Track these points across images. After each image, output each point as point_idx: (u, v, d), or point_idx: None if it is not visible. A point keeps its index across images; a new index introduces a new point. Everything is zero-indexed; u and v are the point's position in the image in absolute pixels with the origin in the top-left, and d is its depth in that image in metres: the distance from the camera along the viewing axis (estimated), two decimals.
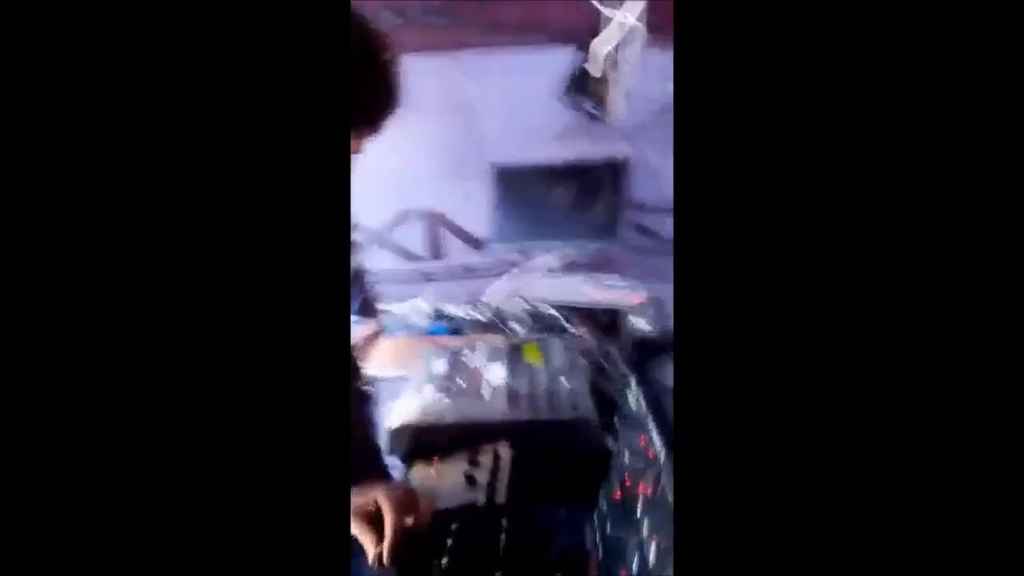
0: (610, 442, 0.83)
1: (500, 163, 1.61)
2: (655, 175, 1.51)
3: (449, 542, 0.59)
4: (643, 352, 1.14)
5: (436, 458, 0.76)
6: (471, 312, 1.55)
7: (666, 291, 1.56)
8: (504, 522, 0.61)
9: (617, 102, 1.38)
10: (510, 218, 1.62)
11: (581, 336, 1.23)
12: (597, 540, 0.66)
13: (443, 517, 0.62)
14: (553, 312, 1.44)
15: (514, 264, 1.71)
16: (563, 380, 0.90)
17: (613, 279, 1.53)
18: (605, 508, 0.71)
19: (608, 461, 0.79)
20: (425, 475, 0.73)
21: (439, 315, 1.58)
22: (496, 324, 1.47)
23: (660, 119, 1.43)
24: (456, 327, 1.50)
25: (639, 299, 1.41)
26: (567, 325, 1.39)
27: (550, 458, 0.76)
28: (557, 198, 1.56)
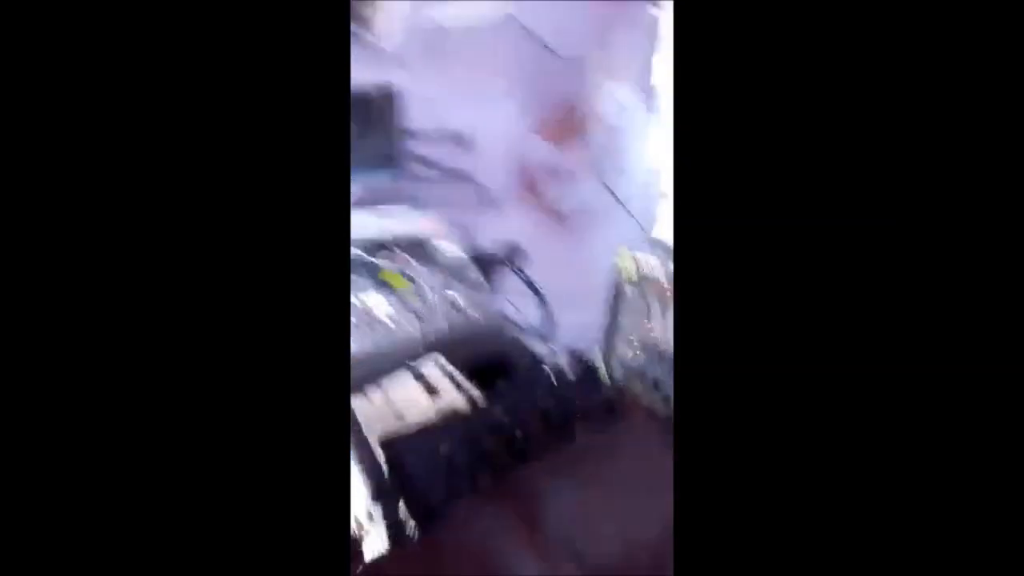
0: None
1: None
2: (429, 103, 1.53)
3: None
4: (482, 267, 1.21)
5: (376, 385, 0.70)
6: None
7: (462, 217, 1.65)
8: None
9: (387, 25, 1.34)
10: None
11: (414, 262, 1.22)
12: None
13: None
14: (356, 251, 1.37)
15: None
16: (448, 292, 0.91)
17: (403, 210, 1.52)
18: None
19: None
20: (371, 402, 0.68)
21: None
22: None
23: (431, 43, 1.44)
24: None
25: (438, 226, 1.45)
26: (375, 260, 1.35)
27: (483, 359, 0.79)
28: None
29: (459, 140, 1.69)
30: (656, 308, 0.95)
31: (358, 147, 1.49)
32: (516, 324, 1.10)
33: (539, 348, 0.98)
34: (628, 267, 0.95)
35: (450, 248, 1.39)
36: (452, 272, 1.25)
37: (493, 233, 1.24)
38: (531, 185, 1.79)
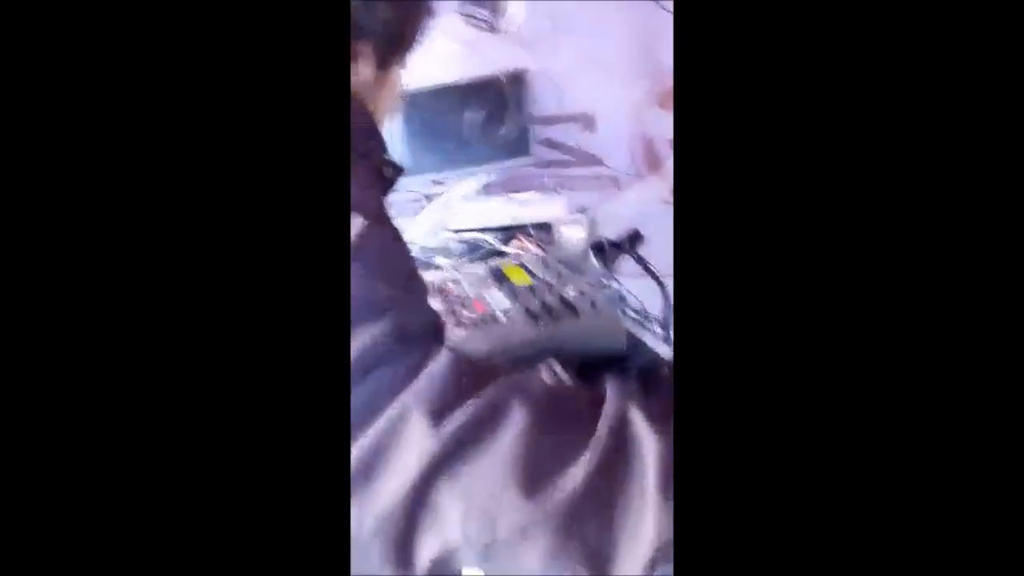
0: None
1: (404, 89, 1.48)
2: (556, 85, 1.51)
3: None
4: (603, 256, 1.19)
5: None
6: None
7: (586, 199, 1.62)
8: None
9: (514, 9, 1.33)
10: (419, 148, 1.52)
11: (537, 250, 1.23)
12: None
13: None
14: (485, 237, 1.41)
15: (429, 196, 1.62)
16: (565, 287, 0.90)
17: (531, 195, 1.53)
18: None
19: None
20: None
21: None
22: (421, 261, 1.40)
23: (557, 25, 1.42)
24: None
25: (565, 210, 1.44)
26: (502, 247, 1.38)
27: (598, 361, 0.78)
28: (466, 119, 1.49)
29: (584, 120, 1.65)
30: None
31: (488, 133, 1.52)
32: (636, 317, 1.07)
33: (661, 348, 0.94)
34: None
35: (575, 234, 1.38)
36: (574, 262, 1.24)
37: (617, 216, 1.20)
38: (655, 163, 1.69)
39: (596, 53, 1.48)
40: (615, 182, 1.69)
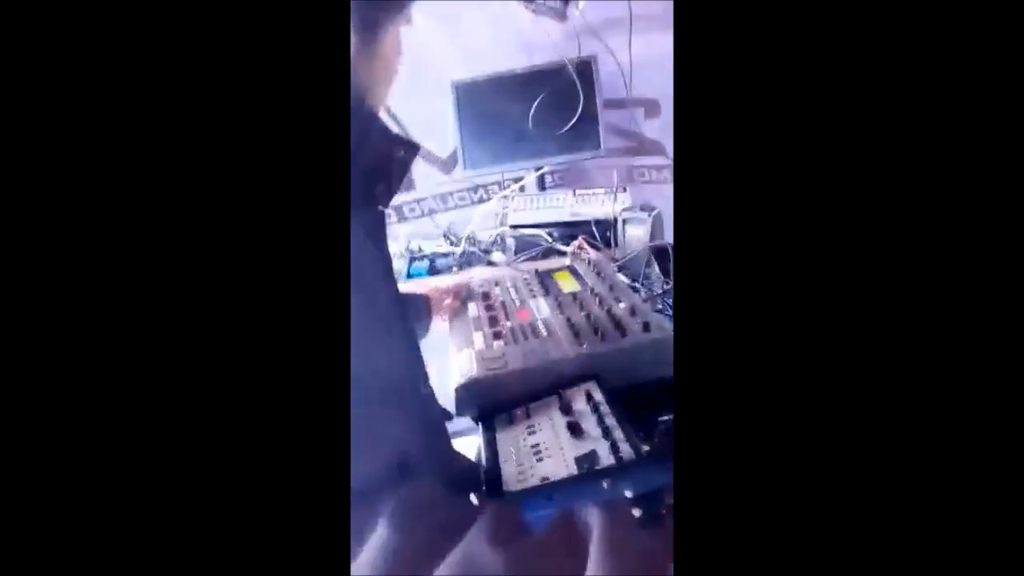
0: None
1: (460, 79, 1.44)
2: (620, 69, 1.41)
3: None
4: (660, 257, 1.10)
5: (521, 413, 0.67)
6: (448, 246, 1.43)
7: (649, 192, 1.51)
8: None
9: None
10: (478, 139, 1.47)
11: (595, 254, 1.16)
12: None
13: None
14: (543, 235, 1.35)
15: (488, 189, 1.58)
16: (615, 302, 0.83)
17: (595, 190, 1.45)
18: None
19: None
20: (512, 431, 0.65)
21: (414, 256, 1.44)
22: (478, 255, 1.37)
23: (617, 7, 1.31)
24: (436, 266, 1.38)
25: (628, 205, 1.35)
26: (559, 246, 1.32)
27: (646, 388, 0.70)
28: (526, 110, 1.43)
29: (648, 106, 1.54)
30: None
31: (555, 124, 1.45)
32: None
33: None
34: None
35: (638, 233, 1.29)
36: (635, 267, 1.16)
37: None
38: None
39: (659, 39, 1.36)
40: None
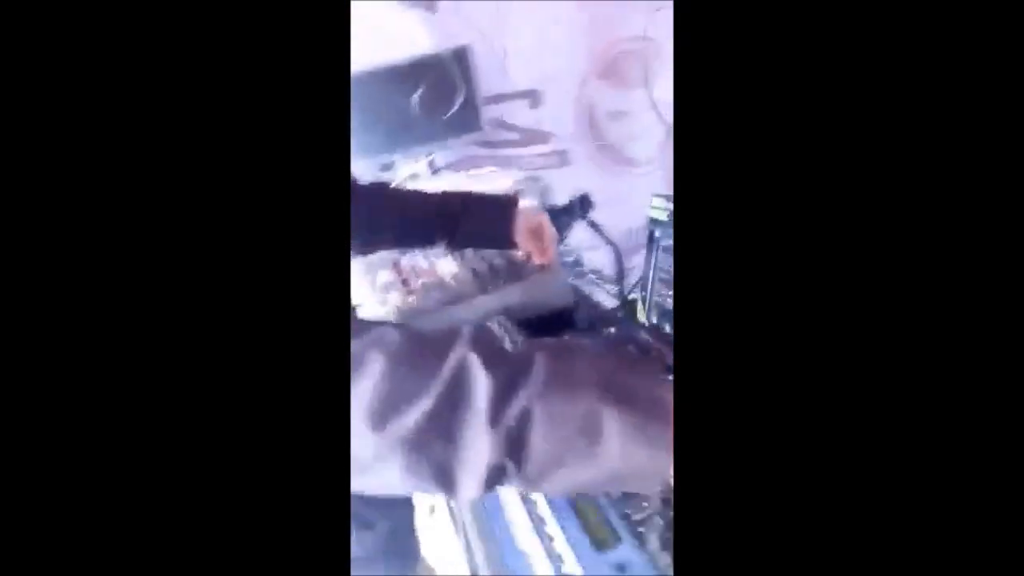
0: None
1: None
2: (498, 62, 1.53)
3: None
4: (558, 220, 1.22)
5: None
6: None
7: (540, 171, 1.64)
8: None
9: None
10: (366, 130, 1.52)
11: None
12: None
13: None
14: None
15: (381, 179, 1.63)
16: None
17: (482, 170, 1.55)
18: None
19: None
20: None
21: None
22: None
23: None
24: None
25: (518, 184, 1.47)
26: None
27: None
28: (411, 100, 1.50)
29: (531, 98, 1.66)
30: None
31: (441, 113, 1.53)
32: (588, 275, 1.10)
33: (609, 302, 0.98)
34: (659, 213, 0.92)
35: (528, 203, 1.41)
36: None
37: (566, 184, 1.23)
38: (599, 133, 1.72)
39: (538, 27, 1.49)
40: (562, 155, 1.72)
